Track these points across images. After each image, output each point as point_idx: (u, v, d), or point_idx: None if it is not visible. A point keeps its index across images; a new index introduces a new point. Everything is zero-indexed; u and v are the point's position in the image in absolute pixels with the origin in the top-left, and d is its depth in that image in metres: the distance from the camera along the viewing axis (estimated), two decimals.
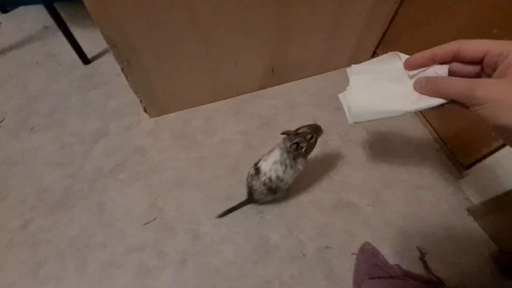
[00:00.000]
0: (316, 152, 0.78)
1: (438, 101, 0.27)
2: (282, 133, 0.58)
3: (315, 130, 0.57)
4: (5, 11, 1.12)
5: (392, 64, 0.31)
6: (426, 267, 0.61)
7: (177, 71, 0.74)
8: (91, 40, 1.02)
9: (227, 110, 0.87)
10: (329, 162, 0.77)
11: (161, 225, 0.66)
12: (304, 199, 0.70)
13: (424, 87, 0.28)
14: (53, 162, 0.74)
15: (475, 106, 0.24)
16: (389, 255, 0.62)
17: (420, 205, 0.70)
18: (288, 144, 0.55)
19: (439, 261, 0.62)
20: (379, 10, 0.82)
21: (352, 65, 0.34)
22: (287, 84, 0.94)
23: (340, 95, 0.35)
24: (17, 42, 1.02)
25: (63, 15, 1.10)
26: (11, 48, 1.01)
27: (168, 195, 0.70)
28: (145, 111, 0.81)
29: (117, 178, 0.72)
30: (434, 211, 0.69)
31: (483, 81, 0.24)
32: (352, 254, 0.63)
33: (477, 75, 0.28)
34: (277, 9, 0.68)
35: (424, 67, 0.29)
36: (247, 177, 0.62)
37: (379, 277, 0.58)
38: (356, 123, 0.32)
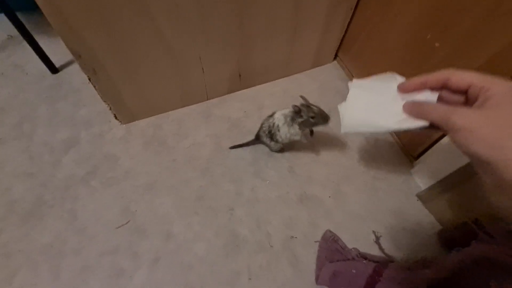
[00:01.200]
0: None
1: (421, 123, 0.29)
2: (301, 96, 0.69)
3: (320, 116, 0.66)
4: None
5: (389, 84, 0.34)
6: (380, 248, 0.68)
7: (145, 79, 0.76)
8: (59, 49, 1.01)
9: (197, 114, 0.91)
10: (295, 160, 0.82)
11: (134, 228, 0.68)
12: (272, 195, 0.75)
13: (411, 109, 0.30)
14: (22, 173, 0.75)
15: (451, 132, 0.26)
16: (349, 240, 0.68)
17: (376, 194, 0.77)
18: (296, 108, 0.66)
19: (392, 242, 0.69)
20: (334, 17, 0.89)
21: (354, 79, 0.37)
22: (254, 87, 0.99)
23: (339, 106, 0.37)
24: None
25: (28, 24, 1.09)
26: None
27: (140, 199, 0.73)
28: (116, 118, 0.83)
29: (89, 185, 0.74)
30: (388, 198, 0.76)
31: (461, 109, 0.26)
32: (315, 242, 0.69)
33: (463, 104, 0.30)
34: (237, 18, 0.73)
35: (416, 91, 0.31)
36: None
37: (338, 260, 0.64)
38: (346, 133, 0.35)
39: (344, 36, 0.99)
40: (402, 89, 0.32)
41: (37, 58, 0.99)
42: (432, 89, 0.31)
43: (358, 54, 0.98)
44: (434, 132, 0.29)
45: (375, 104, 0.33)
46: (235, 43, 0.79)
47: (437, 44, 0.67)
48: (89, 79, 0.69)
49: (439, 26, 0.66)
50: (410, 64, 0.77)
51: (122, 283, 0.61)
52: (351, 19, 0.93)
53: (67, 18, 0.55)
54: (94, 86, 0.71)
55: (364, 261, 0.62)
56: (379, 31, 0.84)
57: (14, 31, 1.07)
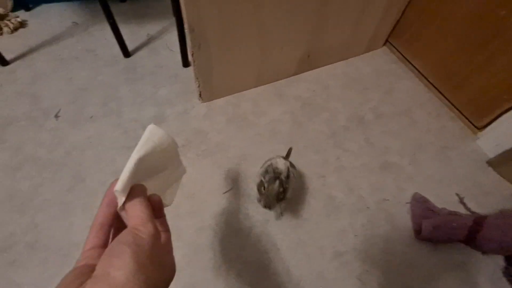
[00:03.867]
0: (356, 124, 0.90)
1: (121, 199, 0.27)
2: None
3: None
4: (28, 8, 1.11)
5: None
6: (466, 207, 0.74)
7: (234, 57, 0.81)
8: (127, 35, 1.05)
9: (269, 93, 0.96)
10: (369, 132, 0.88)
11: (238, 193, 0.72)
12: (356, 163, 0.81)
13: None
14: (121, 146, 0.78)
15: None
16: (435, 201, 0.74)
17: (449, 162, 0.83)
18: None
19: (473, 202, 0.75)
20: (394, 2, 0.95)
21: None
22: (316, 70, 1.05)
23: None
24: (49, 38, 1.03)
25: (91, 13, 1.13)
26: (45, 44, 1.01)
27: (236, 168, 0.77)
28: (200, 95, 0.87)
29: (186, 157, 0.78)
30: (461, 165, 0.82)
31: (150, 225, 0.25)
32: (406, 203, 0.74)
33: None
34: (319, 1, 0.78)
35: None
36: None
37: (433, 217, 0.69)
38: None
39: (398, 21, 1.06)
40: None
41: (106, 43, 1.03)
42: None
43: (412, 39, 1.04)
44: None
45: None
46: (312, 23, 0.85)
47: None
48: (192, 54, 0.73)
49: None
50: (475, 43, 0.83)
51: (241, 240, 0.65)
52: (406, 6, 1.00)
53: None
54: (194, 62, 0.75)
55: (463, 215, 0.67)
56: (440, 14, 0.91)
57: (78, 19, 1.11)
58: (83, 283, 0.22)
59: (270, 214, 0.70)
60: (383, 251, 0.66)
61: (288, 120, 0.89)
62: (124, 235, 0.25)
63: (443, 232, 0.66)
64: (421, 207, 0.71)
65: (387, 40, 1.14)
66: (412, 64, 1.07)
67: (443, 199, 0.75)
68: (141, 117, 0.85)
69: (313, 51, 0.96)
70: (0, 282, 0.57)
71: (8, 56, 0.94)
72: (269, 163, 0.62)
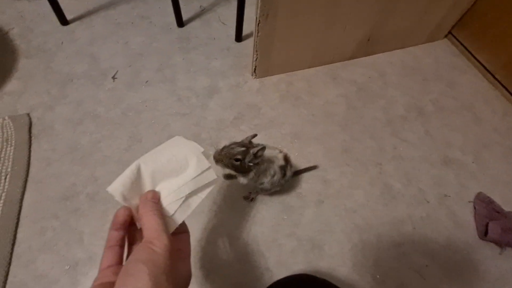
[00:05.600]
0: (415, 115, 0.84)
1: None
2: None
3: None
4: None
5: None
6: None
7: (297, 33, 0.77)
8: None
9: (323, 75, 0.92)
10: (429, 124, 0.83)
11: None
12: (415, 154, 0.76)
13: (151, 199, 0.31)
14: (175, 112, 0.77)
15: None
16: (500, 204, 0.69)
17: None
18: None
19: None
20: None
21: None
22: (372, 56, 0.99)
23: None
24: (105, 3, 1.03)
25: None
26: (102, 8, 1.01)
27: (291, 146, 0.75)
28: (254, 70, 0.85)
29: (239, 129, 0.76)
30: None
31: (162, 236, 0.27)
32: (469, 202, 0.69)
33: None
34: None
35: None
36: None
37: (499, 220, 0.64)
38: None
39: (467, 11, 0.98)
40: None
41: (160, 11, 1.03)
42: None
43: (481, 31, 0.96)
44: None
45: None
46: (382, 3, 0.80)
47: None
48: (258, 24, 0.70)
49: None
50: None
51: (295, 218, 0.63)
52: None
53: None
54: (257, 33, 0.72)
55: None
56: None
57: None
58: None
59: (325, 195, 0.67)
60: (444, 248, 0.62)
61: (343, 104, 0.85)
62: (139, 251, 0.25)
63: None
64: (487, 208, 0.66)
65: (449, 32, 1.07)
66: (476, 59, 0.99)
67: (510, 202, 0.70)
68: (195, 86, 0.84)
69: (374, 35, 0.91)
70: (63, 227, 0.59)
71: (68, 17, 0.95)
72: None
